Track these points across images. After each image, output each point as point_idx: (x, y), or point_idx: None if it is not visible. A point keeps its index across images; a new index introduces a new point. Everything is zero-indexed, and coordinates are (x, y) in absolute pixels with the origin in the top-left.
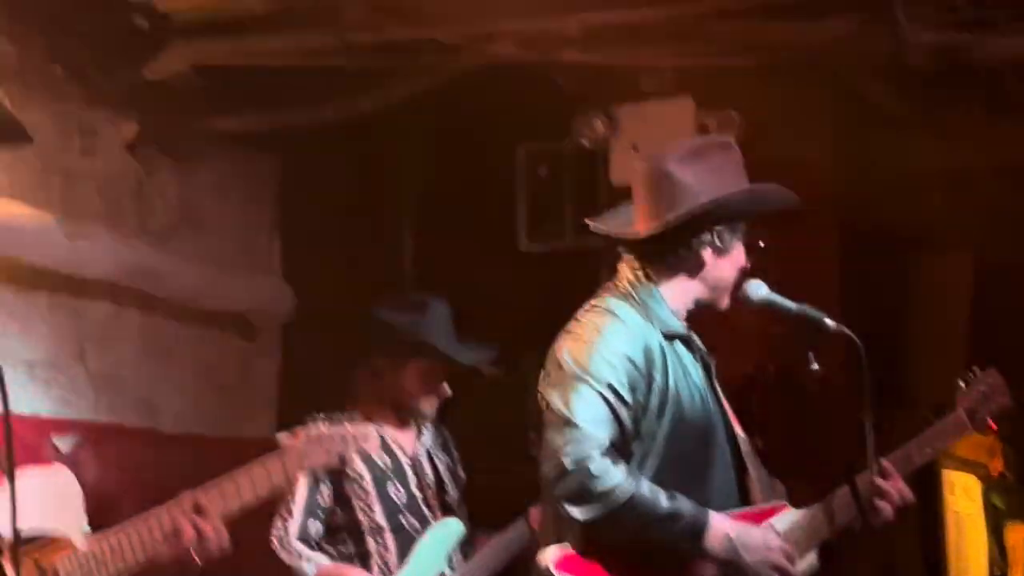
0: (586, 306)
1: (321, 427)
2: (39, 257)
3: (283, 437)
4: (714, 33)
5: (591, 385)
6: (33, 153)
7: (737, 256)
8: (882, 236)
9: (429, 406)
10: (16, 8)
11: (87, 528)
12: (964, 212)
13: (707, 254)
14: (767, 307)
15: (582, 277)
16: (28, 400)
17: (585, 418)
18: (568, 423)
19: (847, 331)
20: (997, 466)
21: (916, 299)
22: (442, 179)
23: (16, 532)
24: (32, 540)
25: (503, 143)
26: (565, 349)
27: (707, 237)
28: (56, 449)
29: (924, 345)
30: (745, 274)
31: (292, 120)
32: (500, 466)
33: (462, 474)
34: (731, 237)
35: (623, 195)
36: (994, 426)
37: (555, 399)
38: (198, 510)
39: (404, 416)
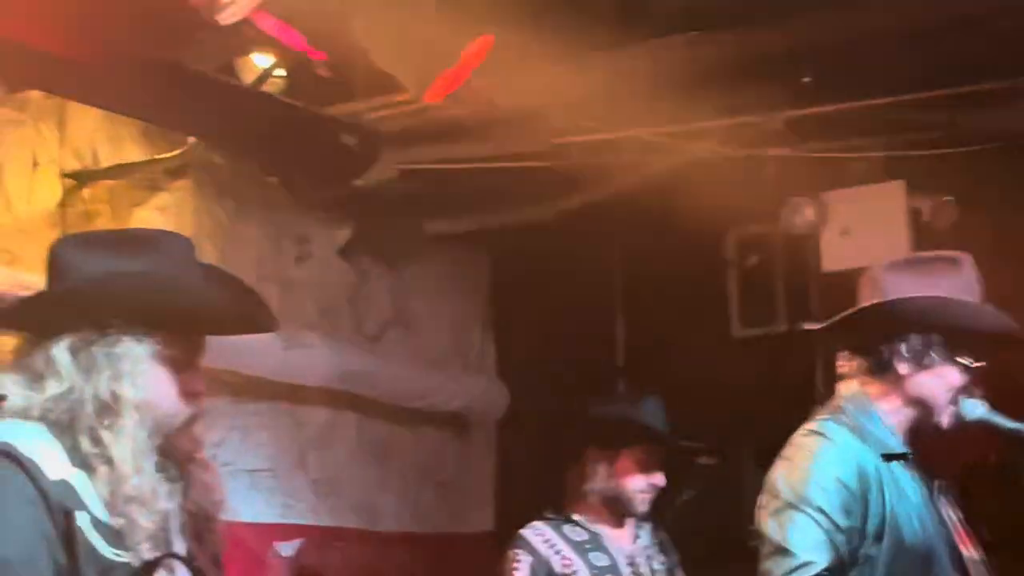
0: (801, 430)
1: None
2: (258, 367)
3: None
4: (920, 121)
5: (805, 512)
6: (249, 264)
7: (946, 374)
8: None
9: (643, 500)
10: (226, 125)
11: None
12: None
13: (902, 366)
14: (983, 423)
15: (795, 362)
16: (251, 508)
17: (800, 546)
18: (783, 552)
19: None
20: None
21: None
22: (651, 271)
23: None
24: None
25: (712, 232)
26: (780, 476)
27: (899, 345)
28: (279, 555)
29: None
30: (962, 393)
31: (501, 220)
32: (716, 562)
33: (681, 575)
34: (928, 351)
35: (833, 280)
36: None
37: (771, 527)
38: None
39: (619, 513)
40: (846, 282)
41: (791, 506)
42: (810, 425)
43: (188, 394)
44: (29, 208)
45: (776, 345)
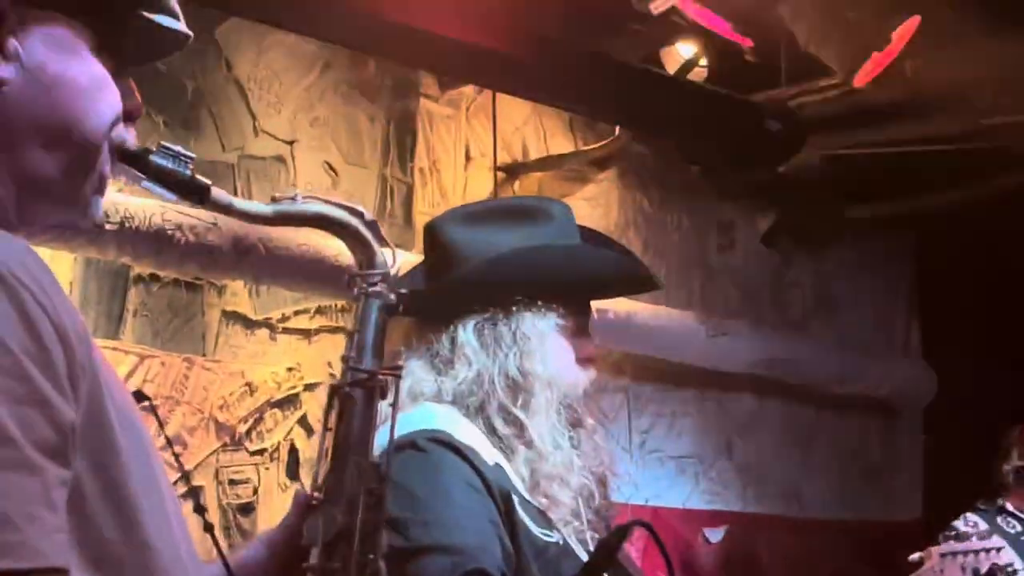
0: None
1: (954, 544)
2: (683, 355)
3: (917, 556)
4: None
5: None
6: (673, 251)
7: None
8: None
9: None
10: (651, 115)
11: None
12: None
13: None
14: None
15: None
16: (678, 494)
17: None
18: None
19: None
20: None
21: None
22: None
23: None
24: None
25: None
26: None
27: None
28: (708, 541)
29: None
30: None
31: (925, 204)
32: None
33: None
34: None
35: None
36: None
37: None
38: None
39: None
40: None
41: None
42: None
43: (585, 361)
44: (463, 201)
45: None
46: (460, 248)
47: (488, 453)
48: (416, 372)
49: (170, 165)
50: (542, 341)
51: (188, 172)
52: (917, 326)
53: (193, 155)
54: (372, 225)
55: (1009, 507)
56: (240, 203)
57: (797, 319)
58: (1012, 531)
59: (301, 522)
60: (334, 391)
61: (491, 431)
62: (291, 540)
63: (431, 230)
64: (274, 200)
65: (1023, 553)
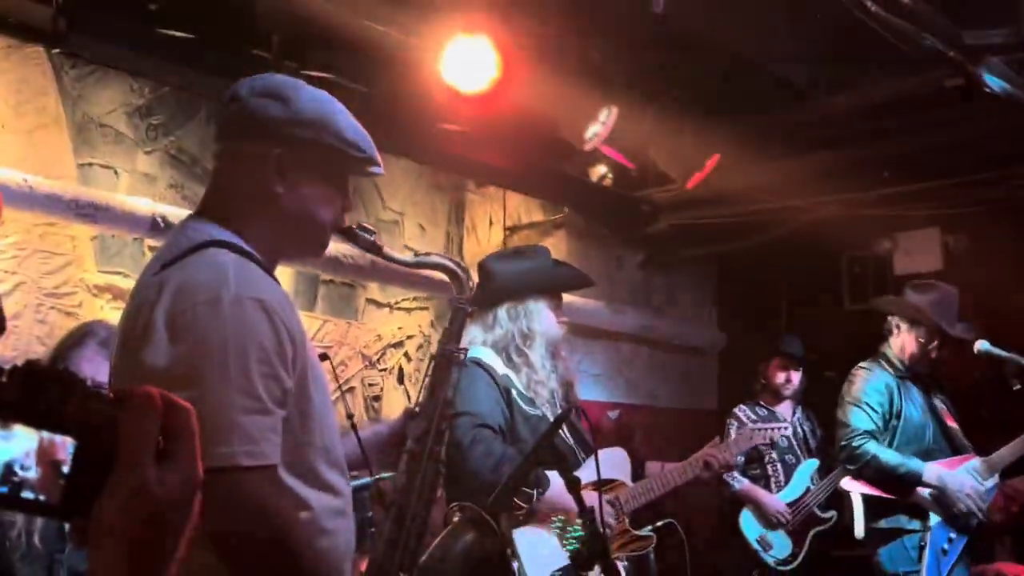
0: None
1: (736, 424)
2: (598, 323)
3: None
4: (951, 196)
5: (859, 406)
6: (594, 270)
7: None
8: None
9: (788, 390)
10: (584, 201)
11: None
12: None
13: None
14: (988, 355)
15: (878, 324)
16: (596, 393)
17: (855, 423)
18: (845, 425)
19: None
20: None
21: None
22: (804, 274)
23: (600, 479)
24: (607, 482)
25: (831, 253)
26: (843, 390)
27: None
28: (609, 418)
29: None
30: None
31: (721, 249)
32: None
33: (819, 433)
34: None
35: (904, 280)
36: None
37: (841, 414)
38: (707, 466)
39: (780, 397)
40: (905, 279)
41: (852, 403)
42: (861, 364)
43: (561, 324)
44: (490, 247)
45: (868, 315)
46: (495, 272)
47: (502, 369)
48: (475, 333)
49: (364, 234)
50: (539, 314)
51: (372, 237)
52: (715, 311)
53: (375, 230)
54: (463, 267)
55: (761, 403)
56: (394, 254)
57: (657, 306)
58: (762, 415)
59: (406, 422)
60: (433, 358)
61: (508, 360)
62: (398, 431)
63: (482, 264)
64: (415, 254)
65: (767, 422)
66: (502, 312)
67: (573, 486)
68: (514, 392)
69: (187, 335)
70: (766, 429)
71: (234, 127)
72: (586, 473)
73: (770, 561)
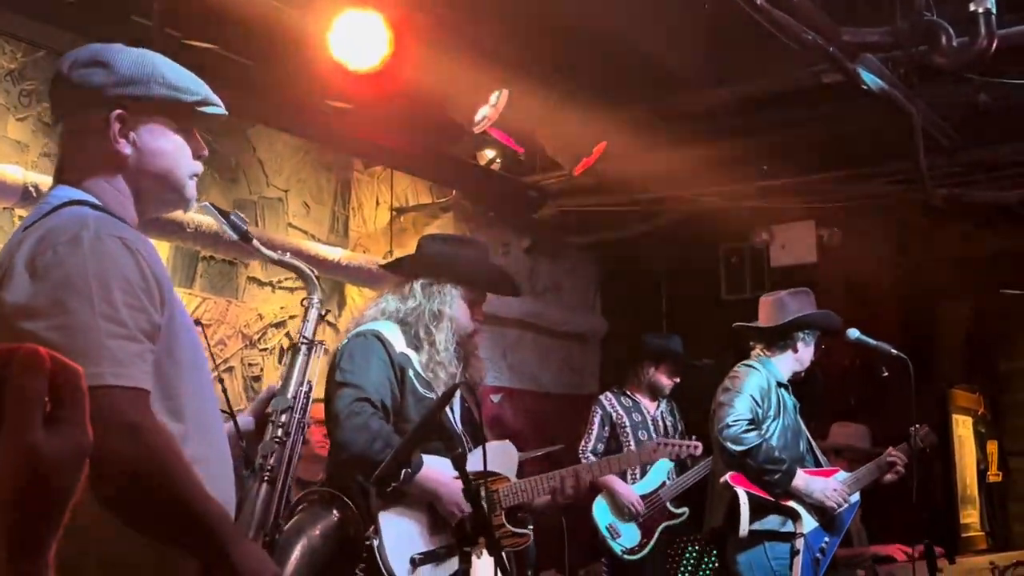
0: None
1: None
2: (489, 309)
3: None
4: (826, 191)
5: (744, 395)
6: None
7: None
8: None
9: (668, 388)
10: (472, 185)
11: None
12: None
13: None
14: (858, 343)
15: (753, 315)
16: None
17: (740, 409)
18: (731, 408)
19: (903, 356)
20: (980, 409)
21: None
22: (683, 263)
23: (485, 470)
24: (490, 475)
25: (710, 244)
26: (722, 386)
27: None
28: (493, 400)
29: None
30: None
31: (605, 237)
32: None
33: (680, 427)
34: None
35: (779, 272)
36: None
37: (726, 398)
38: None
39: (654, 394)
40: (784, 271)
41: (731, 394)
42: (737, 366)
43: (475, 319)
44: (377, 227)
45: (744, 304)
46: (428, 249)
47: (401, 346)
48: (389, 300)
49: (238, 222)
50: (453, 300)
51: (244, 226)
52: (599, 298)
53: (247, 220)
54: (316, 275)
55: (627, 392)
56: (262, 249)
57: (540, 292)
58: (626, 405)
59: (270, 398)
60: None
61: (414, 337)
62: (261, 409)
63: (421, 238)
64: (280, 252)
65: (630, 412)
66: (418, 286)
67: (459, 461)
68: (410, 371)
69: (48, 272)
70: (675, 447)
71: (66, 103)
72: (472, 463)
73: (617, 549)
